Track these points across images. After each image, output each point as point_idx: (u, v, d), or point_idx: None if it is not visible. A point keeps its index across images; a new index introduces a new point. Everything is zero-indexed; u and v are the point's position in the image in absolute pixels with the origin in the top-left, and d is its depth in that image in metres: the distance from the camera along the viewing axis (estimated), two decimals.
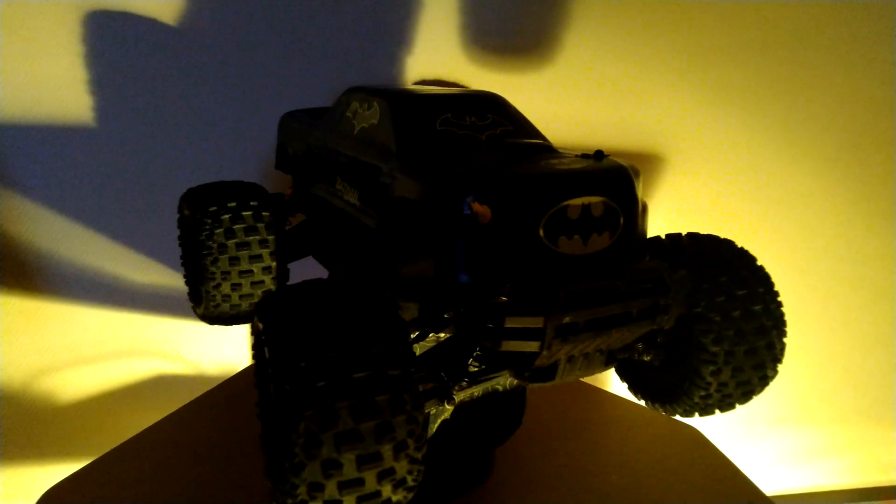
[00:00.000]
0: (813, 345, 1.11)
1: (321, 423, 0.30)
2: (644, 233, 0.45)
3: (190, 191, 0.63)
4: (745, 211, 0.98)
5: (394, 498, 0.34)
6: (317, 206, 0.59)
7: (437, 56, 0.81)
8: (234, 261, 0.57)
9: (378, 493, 0.33)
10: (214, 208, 0.58)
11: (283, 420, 0.30)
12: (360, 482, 0.32)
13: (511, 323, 0.39)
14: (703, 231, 0.93)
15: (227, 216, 0.58)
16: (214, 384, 0.78)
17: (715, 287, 0.46)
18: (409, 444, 0.33)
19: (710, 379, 0.46)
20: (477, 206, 0.39)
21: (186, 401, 0.72)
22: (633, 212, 0.42)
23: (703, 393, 0.47)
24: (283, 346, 0.33)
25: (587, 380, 0.99)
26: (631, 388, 0.56)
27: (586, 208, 0.40)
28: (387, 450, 0.32)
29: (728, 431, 1.14)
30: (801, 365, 1.13)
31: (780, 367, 0.49)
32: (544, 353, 0.38)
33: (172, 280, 0.88)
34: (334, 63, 0.80)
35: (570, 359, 0.41)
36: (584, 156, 0.44)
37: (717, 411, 0.50)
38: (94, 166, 0.82)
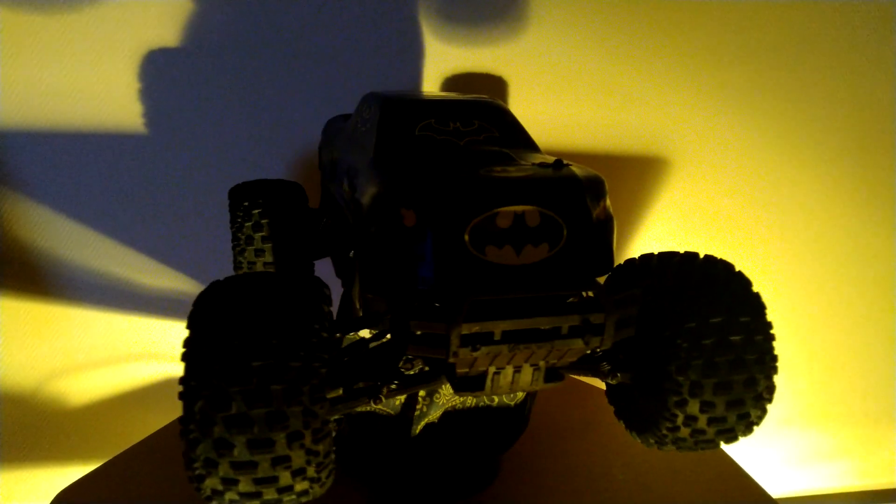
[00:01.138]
0: (818, 347, 1.11)
1: (215, 404, 0.32)
2: (605, 247, 0.42)
3: (233, 186, 0.66)
4: (748, 214, 0.98)
5: (296, 486, 0.36)
6: (331, 208, 0.61)
7: (442, 61, 0.82)
8: (260, 253, 0.61)
9: (275, 479, 0.34)
10: (247, 203, 0.62)
11: (186, 399, 0.33)
12: (252, 465, 0.33)
13: (416, 328, 0.38)
14: (707, 236, 0.94)
15: (257, 211, 0.61)
16: None
17: (687, 310, 0.42)
18: (304, 435, 0.34)
19: (675, 410, 0.42)
20: (403, 210, 0.39)
21: None
22: (582, 224, 0.40)
23: (669, 425, 0.43)
24: (197, 330, 0.35)
25: (592, 382, 0.99)
26: (616, 413, 0.52)
27: (519, 217, 0.38)
28: (280, 438, 0.33)
29: None
30: (806, 367, 1.13)
31: (768, 408, 0.44)
32: (453, 360, 0.38)
33: (182, 284, 0.89)
34: (369, 68, 0.82)
35: (499, 371, 0.40)
36: (543, 164, 0.43)
37: (694, 448, 0.46)
38: (104, 171, 0.83)
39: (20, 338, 0.89)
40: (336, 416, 0.42)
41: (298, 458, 0.34)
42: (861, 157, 0.96)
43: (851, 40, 0.88)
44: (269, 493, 0.35)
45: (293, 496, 0.37)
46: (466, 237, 0.38)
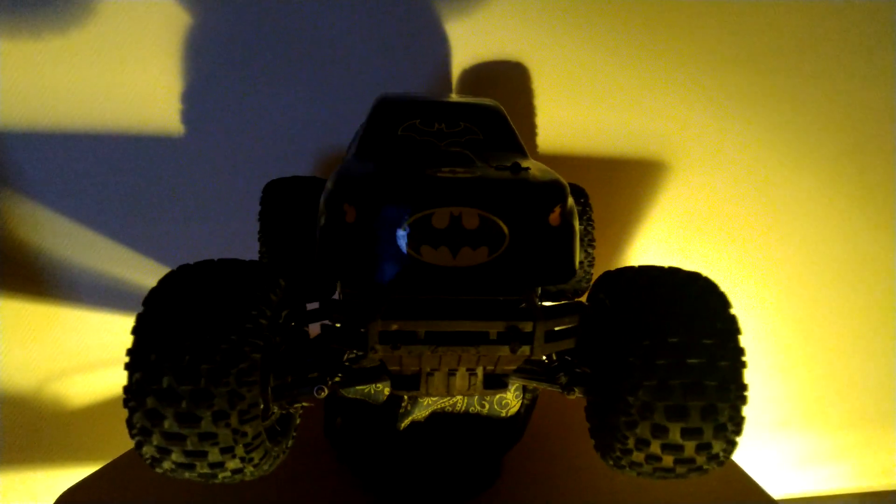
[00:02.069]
0: (817, 349, 1.11)
1: (149, 378, 0.35)
2: (560, 255, 0.41)
3: (270, 181, 0.67)
4: (748, 217, 0.99)
5: (228, 464, 0.37)
6: None
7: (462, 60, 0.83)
8: (287, 246, 0.63)
9: (204, 453, 0.36)
10: (281, 197, 0.63)
11: (128, 370, 0.36)
12: (181, 437, 0.35)
13: (336, 321, 0.39)
14: (708, 239, 0.94)
15: (289, 205, 0.62)
16: None
17: (646, 327, 0.39)
18: (230, 414, 0.35)
19: (625, 431, 0.39)
20: (346, 206, 0.39)
21: None
22: (529, 230, 0.39)
23: (620, 446, 0.40)
24: (147, 308, 0.38)
25: None
26: (589, 429, 0.48)
27: (456, 219, 0.37)
28: (206, 415, 0.35)
29: None
30: (806, 369, 1.13)
31: (738, 440, 0.40)
32: (374, 356, 0.38)
33: None
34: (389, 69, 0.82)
35: (432, 372, 0.40)
36: (501, 167, 0.43)
37: (653, 476, 0.43)
38: (106, 172, 0.83)
39: (22, 338, 0.89)
40: (291, 404, 0.43)
41: (225, 437, 0.36)
42: (861, 161, 0.96)
43: (851, 44, 0.88)
44: (202, 467, 0.37)
45: (227, 472, 0.38)
46: (402, 236, 0.38)
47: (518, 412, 0.58)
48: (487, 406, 0.57)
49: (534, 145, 0.88)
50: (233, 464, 0.38)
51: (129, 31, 0.76)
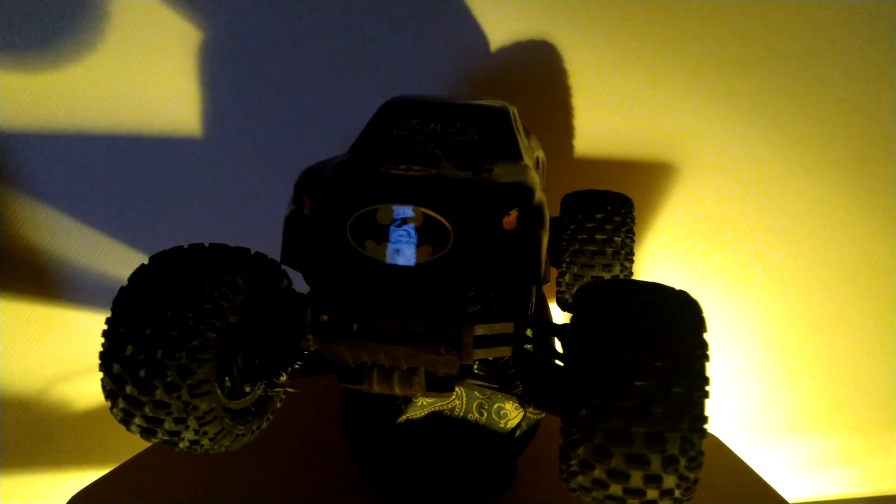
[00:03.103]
0: (823, 353, 1.11)
1: (115, 347, 0.39)
2: (519, 259, 0.39)
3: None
4: (754, 221, 0.99)
5: (183, 434, 0.40)
6: None
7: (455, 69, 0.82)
8: None
9: (160, 421, 0.39)
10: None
11: (104, 337, 0.40)
12: (140, 403, 0.39)
13: (276, 309, 0.42)
14: (714, 243, 0.93)
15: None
16: None
17: (597, 345, 0.37)
18: (181, 387, 0.38)
19: (569, 453, 0.37)
20: (304, 198, 0.40)
21: None
22: (478, 232, 0.38)
23: (565, 467, 0.39)
24: (128, 284, 0.41)
25: None
26: None
27: (400, 216, 0.38)
28: (159, 385, 0.38)
29: (740, 439, 1.14)
30: (812, 374, 1.13)
31: (694, 477, 0.36)
32: (305, 346, 0.40)
33: None
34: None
35: (372, 367, 0.40)
36: (463, 167, 0.42)
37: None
38: (113, 174, 0.82)
39: (25, 341, 0.89)
40: (268, 387, 0.46)
41: (178, 408, 0.39)
42: (868, 166, 0.96)
43: (859, 48, 0.88)
44: (162, 433, 0.40)
45: (186, 442, 0.41)
46: (348, 230, 0.38)
47: (519, 425, 0.57)
48: (486, 415, 0.56)
49: (547, 149, 0.88)
50: (188, 435, 0.40)
51: (141, 35, 0.76)
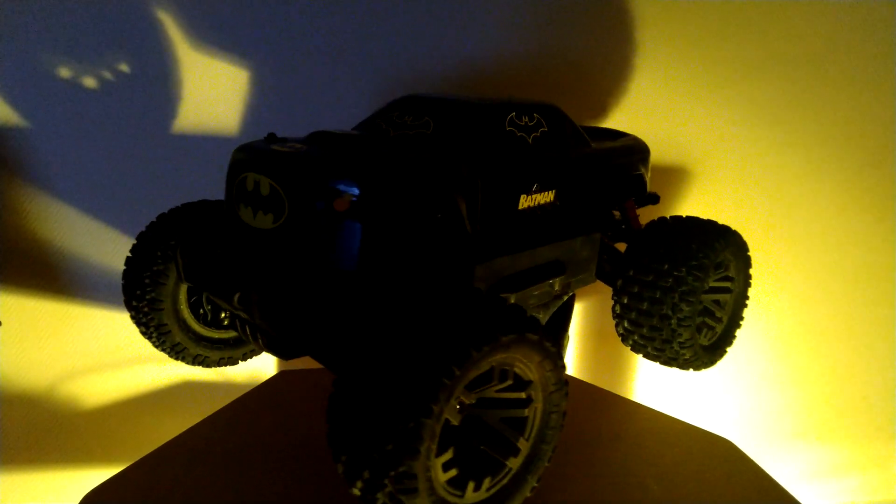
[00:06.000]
0: (831, 362, 1.11)
1: (127, 276, 0.58)
2: (346, 245, 0.41)
3: None
4: (766, 225, 0.99)
5: (154, 337, 0.59)
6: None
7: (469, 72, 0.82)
8: None
9: (139, 322, 0.59)
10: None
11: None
12: (129, 304, 0.58)
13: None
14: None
15: None
16: (241, 391, 0.77)
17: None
18: (143, 300, 0.56)
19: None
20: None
21: (213, 407, 0.72)
22: (307, 208, 0.41)
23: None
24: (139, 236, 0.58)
25: (620, 392, 0.99)
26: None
27: (257, 184, 0.43)
28: (136, 303, 0.57)
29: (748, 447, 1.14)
30: (820, 382, 1.13)
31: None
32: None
33: None
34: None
35: (233, 318, 0.49)
36: (343, 150, 0.45)
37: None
38: (124, 170, 0.82)
39: (36, 337, 0.88)
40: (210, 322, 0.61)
41: (143, 315, 0.57)
42: (882, 171, 0.97)
43: (875, 54, 0.88)
44: (143, 330, 0.59)
45: (154, 340, 0.59)
46: (232, 194, 0.46)
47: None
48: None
49: None
50: (154, 340, 0.59)
51: (153, 31, 0.75)
